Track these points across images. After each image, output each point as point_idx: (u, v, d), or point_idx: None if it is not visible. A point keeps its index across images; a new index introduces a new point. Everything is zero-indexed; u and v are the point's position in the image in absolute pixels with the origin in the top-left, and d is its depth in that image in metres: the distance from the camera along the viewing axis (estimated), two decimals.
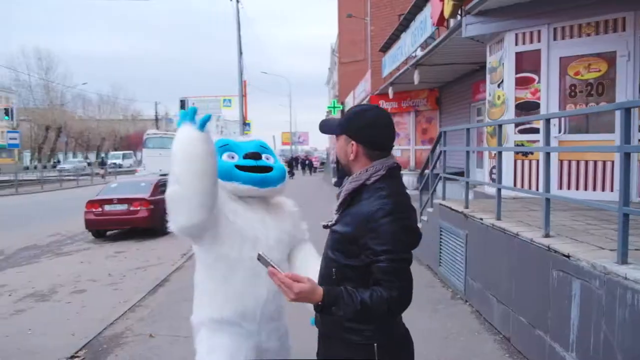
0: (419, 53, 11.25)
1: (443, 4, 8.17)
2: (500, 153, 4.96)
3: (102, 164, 52.27)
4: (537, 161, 6.60)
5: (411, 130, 16.14)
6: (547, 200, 3.92)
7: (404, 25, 12.81)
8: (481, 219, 5.00)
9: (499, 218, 4.77)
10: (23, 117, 62.33)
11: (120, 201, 11.75)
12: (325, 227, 1.92)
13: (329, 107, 31.76)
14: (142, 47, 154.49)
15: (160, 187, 12.90)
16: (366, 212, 1.70)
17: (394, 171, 1.82)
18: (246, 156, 2.45)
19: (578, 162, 6.60)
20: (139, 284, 7.46)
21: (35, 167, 52.22)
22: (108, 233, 12.32)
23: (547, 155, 3.95)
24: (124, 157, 64.54)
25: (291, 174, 31.96)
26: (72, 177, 33.62)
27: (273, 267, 1.61)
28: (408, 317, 5.02)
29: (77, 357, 4.53)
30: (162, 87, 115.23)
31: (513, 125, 7.04)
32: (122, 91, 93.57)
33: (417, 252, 6.41)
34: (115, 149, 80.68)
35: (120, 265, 8.94)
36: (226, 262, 2.33)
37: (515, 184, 7.01)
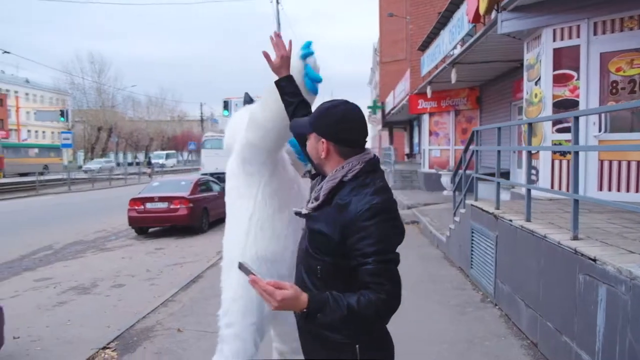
0: (457, 51, 11.03)
1: (478, 1, 7.99)
2: (529, 152, 4.81)
3: (149, 163, 53.89)
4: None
5: (451, 130, 15.84)
6: (576, 201, 3.77)
7: (441, 23, 12.60)
8: (510, 220, 4.87)
9: (528, 219, 4.63)
10: (77, 119, 65.25)
11: (161, 199, 12.10)
12: (297, 214, 1.85)
13: (369, 107, 31.62)
14: (189, 50, 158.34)
15: (199, 186, 13.23)
16: (353, 211, 1.62)
17: (375, 164, 1.75)
18: None
19: (620, 162, 6.31)
20: (175, 279, 7.67)
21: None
22: (150, 230, 12.72)
23: (576, 154, 3.80)
24: (167, 156, 66.02)
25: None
26: (121, 176, 34.87)
27: (254, 275, 1.57)
28: (433, 320, 5.02)
29: (109, 348, 4.70)
30: (207, 88, 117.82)
31: (550, 124, 6.81)
32: (170, 93, 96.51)
33: (449, 253, 6.40)
34: (163, 149, 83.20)
35: (159, 261, 9.22)
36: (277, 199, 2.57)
37: (552, 185, 6.78)
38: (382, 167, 17.35)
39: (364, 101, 34.01)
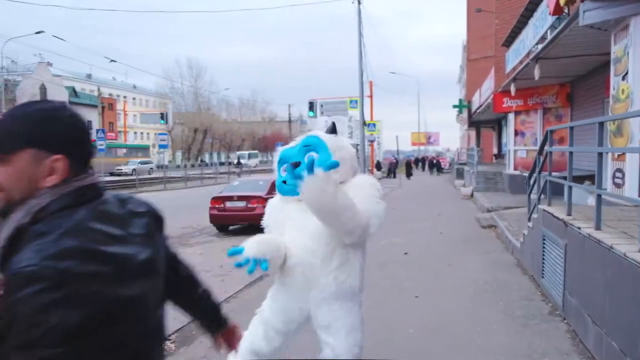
0: (541, 46, 10.37)
1: None
2: (600, 154, 4.40)
3: (239, 163, 56.05)
4: None
5: (538, 130, 14.88)
6: None
7: (526, 17, 11.91)
8: (579, 228, 4.49)
9: (598, 228, 4.24)
10: (176, 121, 69.70)
11: (240, 198, 12.56)
12: None
13: (454, 106, 30.62)
14: (279, 53, 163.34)
15: None
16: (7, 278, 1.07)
17: (83, 196, 1.22)
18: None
19: None
20: (244, 276, 7.87)
21: (186, 166, 57.54)
22: (230, 228, 13.24)
23: None
24: (250, 156, 66.51)
25: (408, 174, 31.53)
26: (212, 175, 36.69)
27: None
28: (494, 330, 4.77)
29: (169, 339, 4.97)
30: (296, 90, 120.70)
31: (638, 122, 6.20)
32: (260, 95, 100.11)
33: (522, 260, 6.02)
34: (253, 149, 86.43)
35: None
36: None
37: None
38: (466, 168, 16.76)
39: (450, 100, 33.04)
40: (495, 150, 28.12)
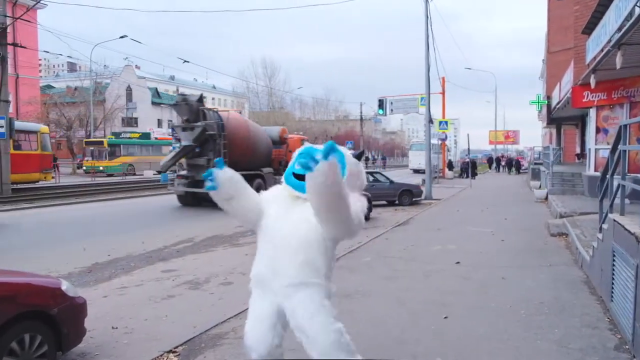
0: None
1: None
2: None
3: None
4: None
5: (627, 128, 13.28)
6: None
7: None
8: None
9: None
10: (251, 120, 71.39)
11: None
12: None
13: (532, 102, 28.55)
14: (352, 52, 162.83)
15: None
16: None
17: None
18: (299, 164, 2.94)
19: None
20: None
21: None
22: None
23: None
24: None
25: (472, 174, 29.91)
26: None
27: None
28: None
29: (174, 352, 4.63)
30: (370, 88, 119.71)
31: None
32: (333, 93, 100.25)
33: (592, 277, 5.12)
34: None
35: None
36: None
37: None
38: (541, 168, 15.43)
39: (533, 97, 30.85)
40: (578, 150, 25.93)
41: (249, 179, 9.60)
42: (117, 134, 54.23)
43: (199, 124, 16.46)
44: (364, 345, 4.62)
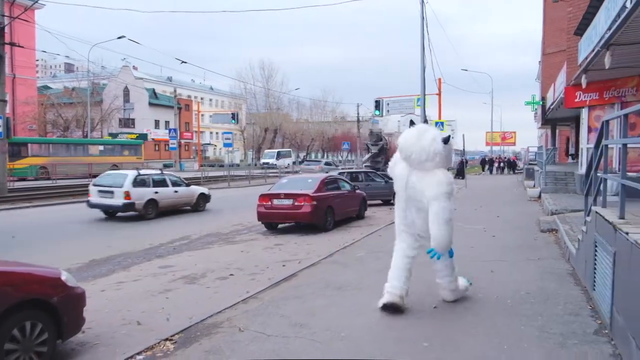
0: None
1: None
2: None
3: (302, 161, 56.15)
4: None
5: (616, 126, 13.45)
6: None
7: (598, 0, 10.73)
8: (627, 234, 3.77)
9: None
10: (248, 121, 71.33)
11: (287, 196, 12.33)
12: None
13: (527, 103, 28.76)
14: (349, 53, 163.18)
15: (327, 184, 13.18)
16: None
17: None
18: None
19: None
20: (274, 275, 7.65)
21: (249, 165, 58.08)
22: (280, 226, 13.05)
23: None
24: (279, 155, 58.88)
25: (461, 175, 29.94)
26: (276, 174, 37.02)
27: None
28: (522, 349, 4.18)
29: (171, 340, 4.78)
30: (367, 89, 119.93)
31: None
32: (331, 95, 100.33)
33: (577, 269, 5.41)
34: (323, 149, 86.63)
35: (271, 257, 9.34)
36: None
37: None
38: (535, 167, 15.68)
39: (526, 98, 31.07)
40: (572, 150, 26.15)
41: None
42: (114, 135, 54.32)
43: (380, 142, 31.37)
44: (355, 329, 4.79)
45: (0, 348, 3.87)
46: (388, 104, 37.18)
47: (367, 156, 33.16)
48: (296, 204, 12.16)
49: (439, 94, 34.40)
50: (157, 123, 66.12)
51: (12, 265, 4.44)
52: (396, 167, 5.59)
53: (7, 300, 3.96)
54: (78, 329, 4.76)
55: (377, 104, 36.02)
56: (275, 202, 12.39)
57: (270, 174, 36.88)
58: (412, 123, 5.68)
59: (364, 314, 5.27)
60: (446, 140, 5.22)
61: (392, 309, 5.14)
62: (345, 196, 13.85)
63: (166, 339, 4.77)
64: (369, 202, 16.00)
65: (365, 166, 30.31)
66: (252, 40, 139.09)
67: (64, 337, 4.54)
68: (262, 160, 56.91)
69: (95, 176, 19.20)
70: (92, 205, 15.10)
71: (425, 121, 22.63)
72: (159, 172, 18.23)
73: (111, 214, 15.26)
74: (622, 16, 7.76)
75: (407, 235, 5.47)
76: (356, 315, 5.22)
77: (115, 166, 34.37)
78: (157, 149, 65.66)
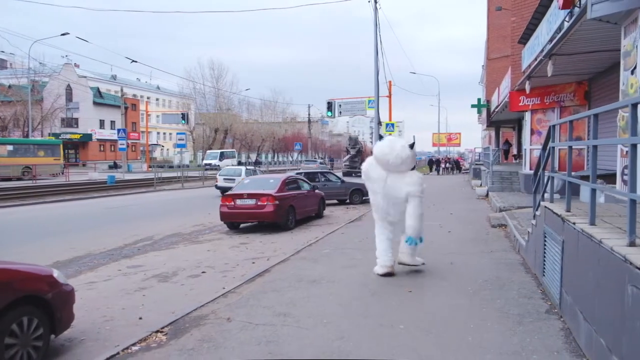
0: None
1: None
2: (594, 148, 4.24)
3: (257, 163, 56.20)
4: None
5: (556, 130, 14.57)
6: (632, 201, 3.28)
7: (540, 13, 11.66)
8: (574, 223, 4.37)
9: (592, 223, 4.12)
10: (198, 121, 70.28)
11: (250, 196, 12.58)
12: None
13: (472, 106, 30.21)
14: (300, 55, 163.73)
15: (288, 184, 13.53)
16: None
17: None
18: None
19: None
20: (247, 272, 7.93)
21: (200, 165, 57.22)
22: (241, 226, 13.27)
23: (634, 147, 3.30)
24: (222, 156, 57.42)
25: None
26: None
27: None
28: (487, 328, 4.80)
29: (162, 331, 5.00)
30: (317, 90, 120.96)
31: None
32: (281, 95, 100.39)
33: (527, 259, 6.10)
34: (274, 150, 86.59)
35: (239, 255, 9.59)
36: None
37: None
38: (482, 167, 16.61)
39: (473, 101, 32.53)
40: (514, 151, 27.68)
41: None
42: (56, 135, 52.26)
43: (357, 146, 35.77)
44: (336, 316, 5.19)
45: (1, 342, 4.00)
46: (340, 105, 37.87)
47: (346, 157, 39.83)
48: (259, 203, 12.43)
49: (389, 96, 35.40)
50: (102, 123, 64.11)
51: (8, 263, 4.55)
52: (372, 171, 7.02)
53: (8, 295, 4.09)
54: (69, 325, 4.91)
55: (330, 106, 36.61)
56: (239, 202, 12.61)
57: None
58: (380, 137, 7.73)
59: (342, 303, 5.68)
60: (412, 146, 6.82)
61: (388, 275, 6.85)
62: (305, 196, 14.24)
63: (157, 331, 4.99)
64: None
65: (345, 165, 38.29)
66: (202, 40, 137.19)
67: (57, 332, 4.68)
68: (204, 162, 54.59)
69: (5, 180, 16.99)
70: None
71: (380, 123, 23.35)
72: None
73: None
74: (563, 31, 8.58)
75: (385, 223, 7.03)
76: (335, 305, 5.62)
77: (27, 168, 32.50)
78: (102, 149, 63.72)
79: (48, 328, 4.51)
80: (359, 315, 5.24)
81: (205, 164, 50.67)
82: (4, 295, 4.07)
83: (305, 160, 65.01)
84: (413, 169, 6.95)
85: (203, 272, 8.22)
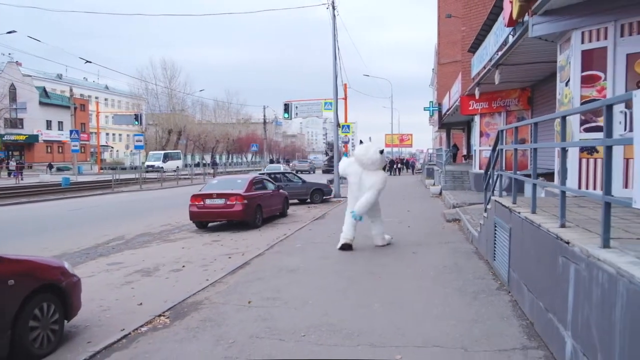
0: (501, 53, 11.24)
1: (512, 5, 8.29)
2: (534, 150, 5.16)
3: (214, 164, 56.03)
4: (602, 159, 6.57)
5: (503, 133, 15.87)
6: (563, 193, 4.16)
7: (488, 26, 12.80)
8: (519, 213, 5.26)
9: (533, 212, 5.01)
10: (150, 122, 69.16)
11: (219, 196, 13.09)
12: None
13: (425, 108, 31.66)
14: (254, 56, 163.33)
15: (255, 184, 14.12)
16: None
17: None
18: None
19: None
20: (225, 266, 8.50)
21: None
22: (209, 225, 13.74)
23: (564, 151, 4.19)
24: (166, 157, 54.78)
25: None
26: (188, 176, 36.90)
27: None
28: (448, 302, 5.70)
29: (164, 315, 5.55)
30: (271, 92, 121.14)
31: (578, 123, 7.04)
32: (235, 97, 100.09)
33: (479, 248, 7.05)
34: (228, 151, 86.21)
35: (214, 251, 10.13)
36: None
37: (580, 183, 7.02)
38: (435, 167, 17.87)
39: (424, 103, 34.11)
40: (464, 151, 29.23)
41: None
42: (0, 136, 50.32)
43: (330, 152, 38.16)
44: (318, 298, 5.89)
45: (27, 324, 4.48)
46: (297, 107, 38.41)
47: (326, 158, 51.80)
48: (228, 203, 12.97)
49: (345, 99, 36.37)
50: (49, 123, 62.03)
51: (27, 256, 4.99)
52: (350, 168, 9.17)
53: (32, 283, 4.57)
54: (77, 312, 5.39)
55: (286, 107, 37.11)
56: (208, 201, 13.09)
57: (182, 177, 36.68)
58: (361, 142, 9.80)
59: (322, 288, 6.40)
60: (382, 152, 8.97)
61: (346, 247, 8.84)
62: (271, 195, 14.87)
63: (159, 315, 5.54)
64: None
65: (325, 165, 49.54)
66: (154, 41, 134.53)
67: (69, 318, 5.16)
68: (146, 163, 50.77)
69: None
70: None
71: (338, 125, 24.19)
72: None
73: None
74: (508, 45, 9.64)
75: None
76: (316, 289, 6.33)
77: None
78: (49, 151, 61.66)
79: (62, 313, 4.99)
80: (338, 297, 5.98)
81: (147, 166, 47.99)
82: (28, 284, 4.54)
83: (298, 160, 70.78)
84: (384, 169, 8.47)
85: (183, 266, 8.73)
